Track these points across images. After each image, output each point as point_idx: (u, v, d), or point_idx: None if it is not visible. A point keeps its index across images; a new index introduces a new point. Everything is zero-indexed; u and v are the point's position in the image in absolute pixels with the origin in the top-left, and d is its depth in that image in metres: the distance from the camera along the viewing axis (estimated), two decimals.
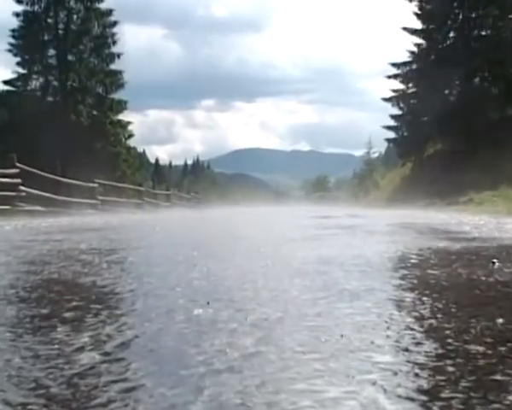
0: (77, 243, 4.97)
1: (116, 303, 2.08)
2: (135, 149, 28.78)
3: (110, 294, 2.26)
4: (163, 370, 1.27)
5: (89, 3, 24.39)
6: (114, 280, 2.60)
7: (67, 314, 1.84)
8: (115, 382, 1.19)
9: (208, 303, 1.96)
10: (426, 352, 1.39)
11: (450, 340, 1.49)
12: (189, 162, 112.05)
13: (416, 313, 1.82)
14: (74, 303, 2.04)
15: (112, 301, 2.11)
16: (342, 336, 1.51)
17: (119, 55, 24.83)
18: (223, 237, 5.73)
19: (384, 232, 6.62)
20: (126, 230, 8.14)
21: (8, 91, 23.93)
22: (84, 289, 2.42)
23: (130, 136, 25.69)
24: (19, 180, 12.49)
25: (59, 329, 1.63)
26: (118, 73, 24.91)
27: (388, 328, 1.61)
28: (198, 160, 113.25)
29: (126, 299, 2.14)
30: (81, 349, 1.42)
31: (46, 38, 24.20)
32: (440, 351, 1.40)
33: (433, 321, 1.70)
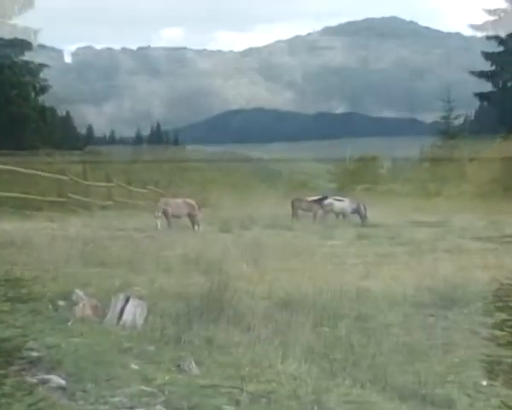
0: None
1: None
2: (52, 110, 28.78)
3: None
4: None
5: None
6: (24, 331, 2.65)
7: None
8: None
9: None
10: None
11: None
12: (145, 134, 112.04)
13: None
14: None
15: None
16: None
17: None
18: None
19: (473, 251, 6.66)
20: (37, 248, 8.16)
21: None
22: None
23: (45, 88, 25.70)
24: None
25: None
26: None
27: (471, 405, 1.67)
28: (159, 129, 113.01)
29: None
30: None
31: None
32: None
33: None
